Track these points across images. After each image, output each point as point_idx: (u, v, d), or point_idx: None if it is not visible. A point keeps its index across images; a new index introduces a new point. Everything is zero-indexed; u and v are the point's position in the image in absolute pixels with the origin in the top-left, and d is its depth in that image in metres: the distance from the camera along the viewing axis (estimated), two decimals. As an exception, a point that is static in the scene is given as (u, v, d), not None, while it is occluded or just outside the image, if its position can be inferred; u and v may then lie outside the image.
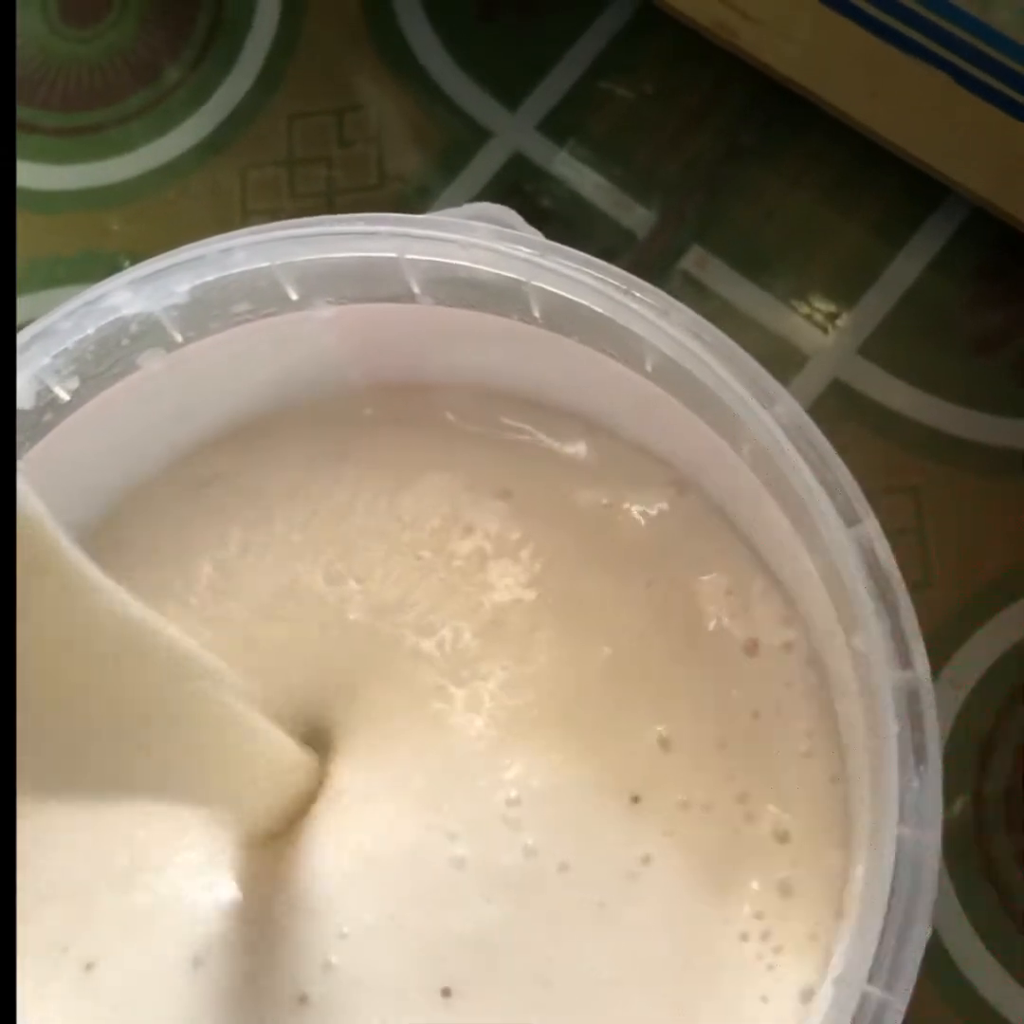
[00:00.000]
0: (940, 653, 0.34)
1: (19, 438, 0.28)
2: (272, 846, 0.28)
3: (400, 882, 0.28)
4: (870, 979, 0.23)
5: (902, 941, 0.23)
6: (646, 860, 0.27)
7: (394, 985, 0.27)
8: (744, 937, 0.27)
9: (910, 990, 0.23)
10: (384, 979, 0.27)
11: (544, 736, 0.28)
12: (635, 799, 0.28)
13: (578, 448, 0.30)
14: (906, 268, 0.37)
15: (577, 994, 0.27)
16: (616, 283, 0.26)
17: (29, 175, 0.40)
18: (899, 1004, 0.23)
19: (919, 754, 0.23)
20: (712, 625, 0.28)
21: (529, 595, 0.29)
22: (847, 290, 0.37)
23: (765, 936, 0.27)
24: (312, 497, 0.30)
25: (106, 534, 0.30)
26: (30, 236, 0.40)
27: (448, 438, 0.30)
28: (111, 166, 0.40)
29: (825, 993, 0.24)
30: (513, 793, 0.28)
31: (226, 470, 0.30)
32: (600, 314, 0.26)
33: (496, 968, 0.27)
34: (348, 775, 0.29)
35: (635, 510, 0.29)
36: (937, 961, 0.32)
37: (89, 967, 0.27)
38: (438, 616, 0.29)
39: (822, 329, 0.37)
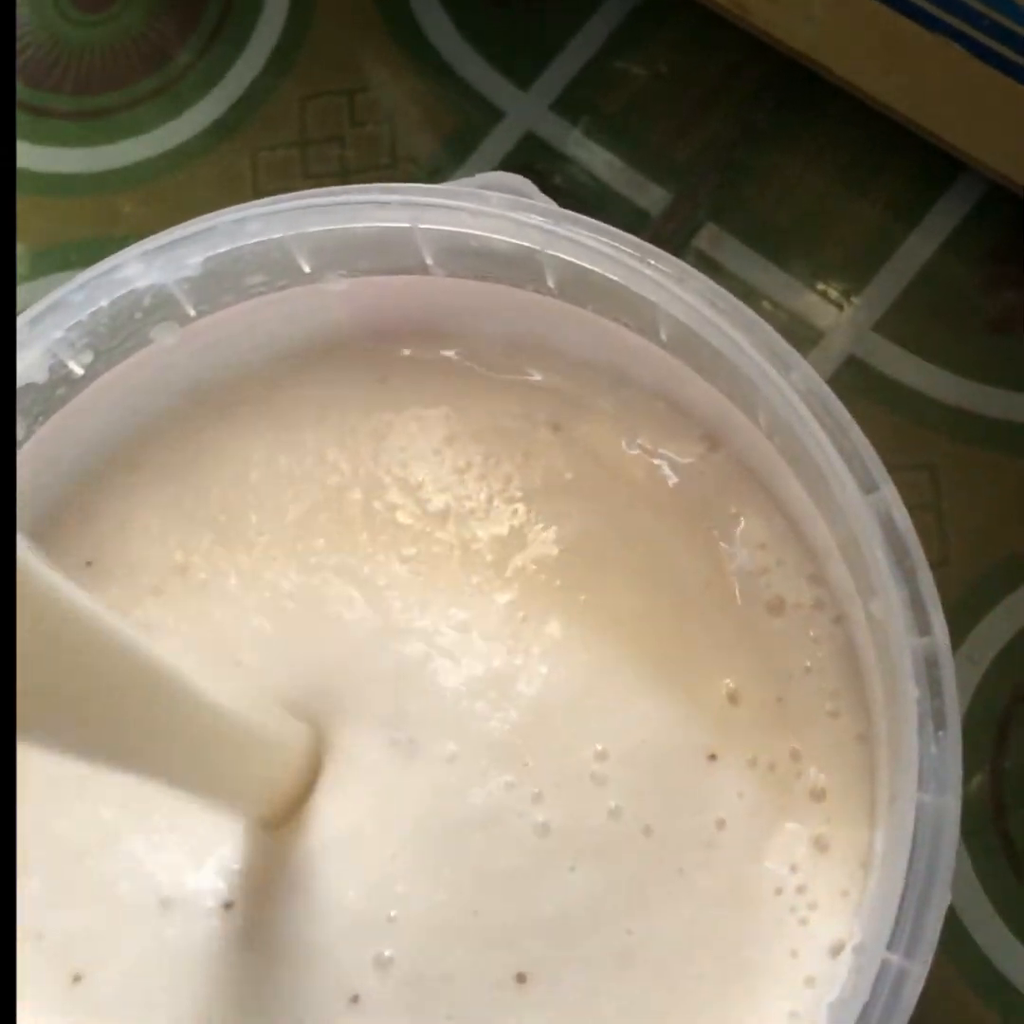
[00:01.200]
0: (957, 629, 0.34)
1: (33, 412, 0.28)
2: (288, 826, 0.27)
3: (471, 856, 0.27)
4: (890, 946, 0.23)
5: (922, 907, 0.23)
6: (721, 825, 0.27)
7: (463, 976, 0.26)
8: (779, 891, 0.26)
9: (930, 957, 0.23)
10: (451, 970, 0.26)
11: (623, 685, 0.27)
12: (712, 757, 0.27)
13: (607, 400, 0.29)
14: (921, 246, 0.37)
15: (655, 971, 0.26)
16: (631, 251, 0.26)
17: (40, 159, 0.40)
18: (919, 971, 0.23)
19: (938, 720, 0.23)
20: (749, 580, 0.28)
21: (593, 528, 0.28)
22: (862, 268, 0.37)
23: (801, 890, 0.26)
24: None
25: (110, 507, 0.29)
26: (42, 220, 0.40)
27: (472, 382, 0.29)
28: (122, 149, 0.40)
29: (845, 960, 0.24)
30: (599, 745, 0.27)
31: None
32: (615, 282, 0.26)
33: (576, 946, 0.26)
34: (383, 730, 0.27)
35: (667, 463, 0.29)
36: (954, 936, 0.32)
37: (77, 978, 0.27)
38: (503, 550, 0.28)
39: (837, 306, 0.37)
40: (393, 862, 0.26)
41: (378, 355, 0.29)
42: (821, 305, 0.37)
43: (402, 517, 0.28)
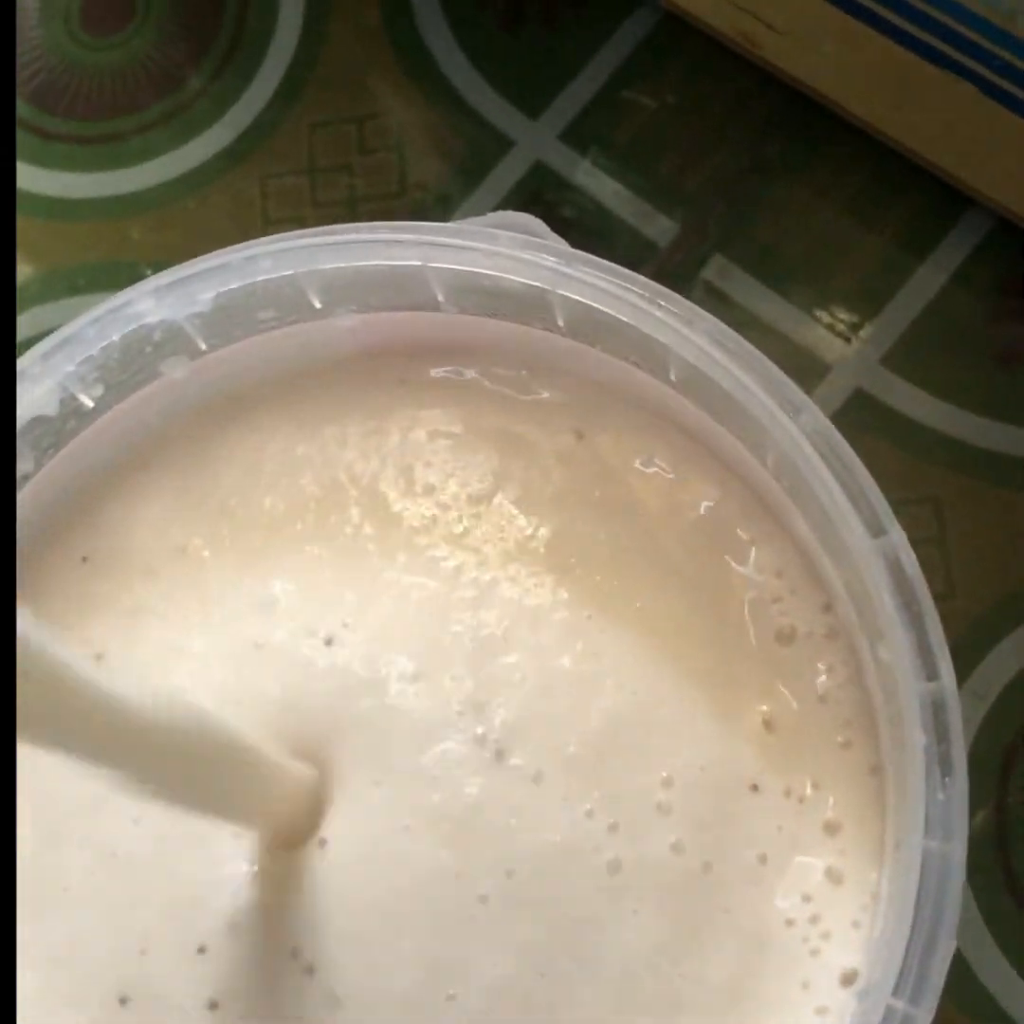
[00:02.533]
0: (962, 664, 0.34)
1: (42, 445, 0.28)
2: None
3: (543, 906, 0.25)
4: (895, 992, 0.23)
5: (928, 954, 0.23)
6: (763, 860, 0.26)
7: None
8: (790, 923, 0.26)
9: (935, 1004, 0.23)
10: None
11: (678, 707, 0.27)
12: (754, 787, 0.26)
13: (623, 419, 0.29)
14: (929, 280, 0.37)
15: (703, 1013, 0.25)
16: (641, 292, 0.26)
17: (51, 183, 0.41)
18: (924, 1018, 0.23)
19: (945, 766, 0.23)
20: (761, 607, 0.28)
21: (613, 542, 0.28)
22: (870, 301, 0.37)
23: (814, 921, 0.26)
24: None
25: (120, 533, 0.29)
26: (52, 244, 0.40)
27: (490, 395, 0.29)
28: (132, 175, 0.40)
29: (849, 1006, 0.24)
30: (665, 772, 0.26)
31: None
32: (625, 323, 0.26)
33: (636, 997, 0.25)
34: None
35: (681, 486, 0.28)
36: (957, 973, 0.32)
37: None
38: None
39: (845, 339, 0.37)
40: (448, 927, 0.26)
41: (393, 368, 0.29)
42: (829, 338, 0.37)
43: (423, 517, 0.28)
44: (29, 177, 0.41)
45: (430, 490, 0.28)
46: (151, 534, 0.28)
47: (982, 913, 0.32)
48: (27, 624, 0.19)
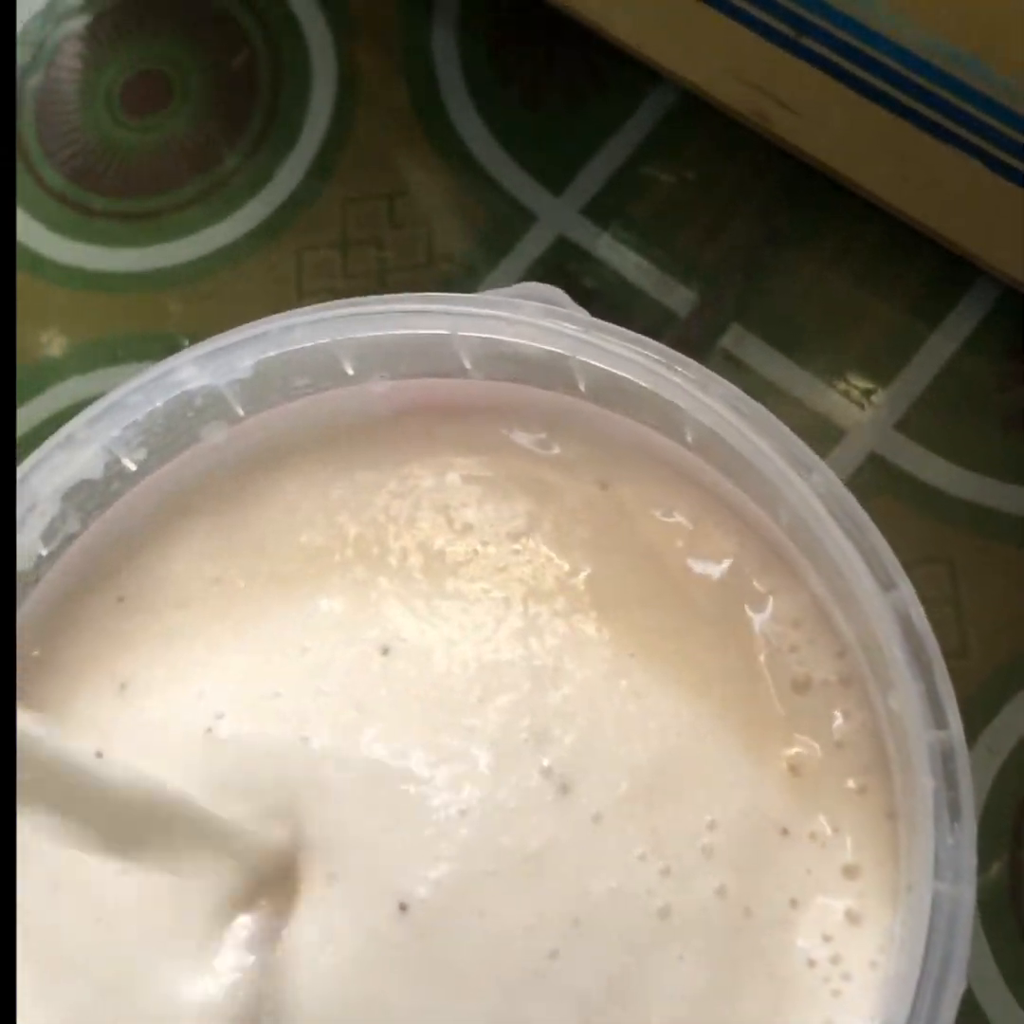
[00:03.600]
0: (976, 720, 0.34)
1: (87, 507, 0.29)
2: None
3: (589, 962, 0.25)
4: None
5: (938, 993, 0.23)
6: (794, 904, 0.26)
7: None
8: (812, 964, 0.26)
9: (947, 1042, 0.23)
10: None
11: (715, 750, 0.27)
12: (784, 831, 0.27)
13: (644, 473, 0.29)
14: (940, 347, 0.38)
15: None
16: (658, 358, 0.27)
17: (90, 257, 0.42)
18: None
19: (954, 811, 0.24)
20: (777, 656, 0.28)
21: (636, 586, 0.28)
22: (883, 367, 0.38)
23: (834, 961, 0.26)
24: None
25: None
26: (91, 315, 0.41)
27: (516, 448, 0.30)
28: (171, 249, 0.42)
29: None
30: (710, 816, 0.26)
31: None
32: (643, 388, 0.27)
33: None
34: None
35: (701, 538, 0.29)
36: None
37: None
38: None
39: (859, 405, 0.38)
40: (515, 987, 0.25)
41: (423, 424, 0.30)
42: (843, 403, 0.38)
43: (465, 552, 0.29)
44: (69, 251, 0.42)
45: (468, 528, 0.29)
46: (185, 570, 0.29)
47: (997, 964, 0.33)
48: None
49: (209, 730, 0.27)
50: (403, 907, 0.26)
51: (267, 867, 0.27)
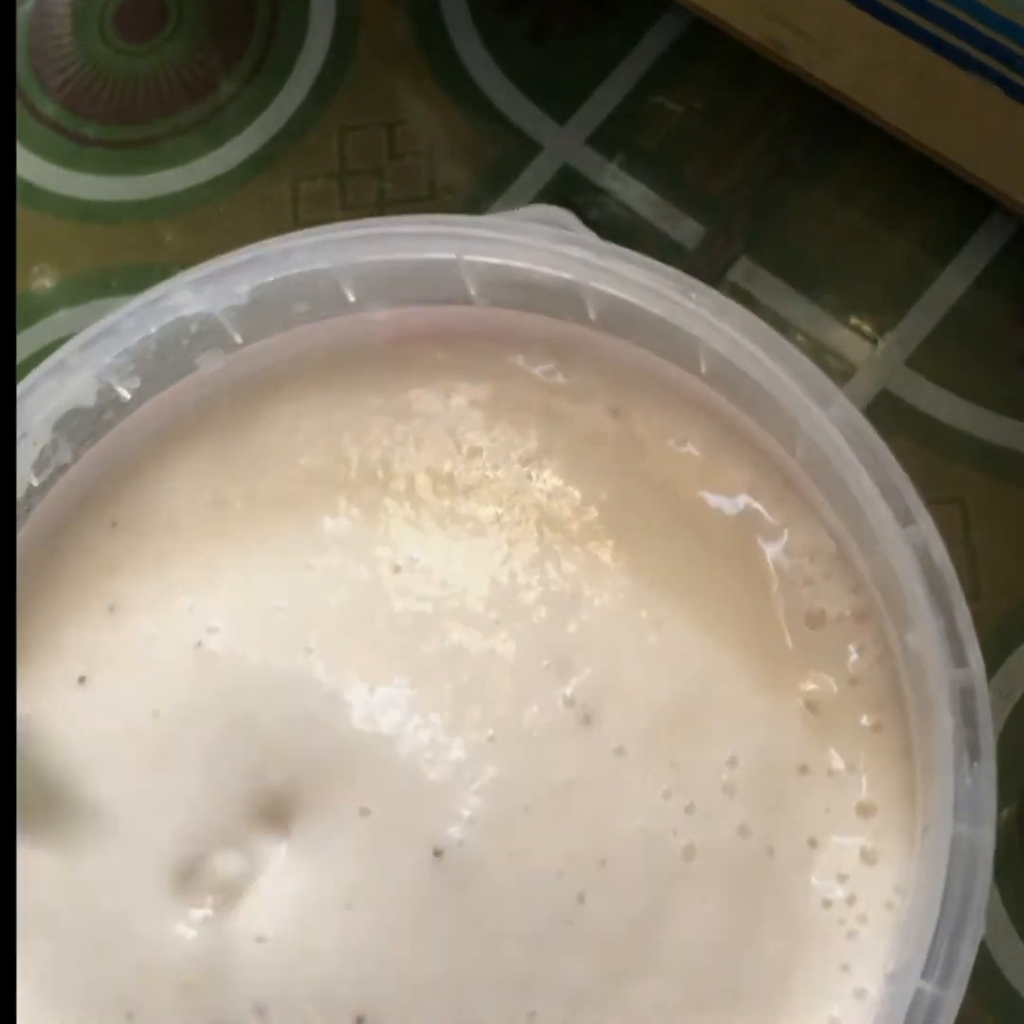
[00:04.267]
0: (987, 663, 0.34)
1: (79, 436, 0.28)
2: None
3: (618, 891, 0.25)
4: (924, 974, 0.23)
5: (956, 937, 0.23)
6: (813, 844, 0.26)
7: None
8: (828, 904, 0.26)
9: (964, 986, 0.23)
10: None
11: (737, 686, 0.27)
12: (803, 769, 0.26)
13: (655, 402, 0.29)
14: (953, 282, 0.38)
15: (762, 1004, 0.25)
16: (672, 284, 0.26)
17: (83, 187, 0.41)
18: (953, 1000, 0.23)
19: (973, 751, 0.24)
20: (792, 590, 0.28)
21: (650, 517, 0.28)
22: (895, 302, 0.37)
23: (850, 902, 0.26)
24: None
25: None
26: (84, 247, 0.40)
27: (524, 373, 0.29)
28: (165, 178, 0.41)
29: (877, 989, 0.24)
30: (731, 751, 0.26)
31: None
32: (656, 315, 0.26)
33: (697, 988, 0.25)
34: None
35: (714, 469, 0.28)
36: (982, 970, 0.32)
37: None
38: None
39: (870, 341, 0.37)
40: (542, 935, 0.25)
41: (427, 354, 0.29)
42: (854, 339, 0.37)
43: (475, 477, 0.28)
44: (62, 181, 0.41)
45: (477, 452, 0.28)
46: (181, 494, 0.29)
47: (1007, 910, 0.32)
48: None
49: (199, 644, 0.27)
50: (438, 853, 0.25)
51: (254, 804, 0.26)
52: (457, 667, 0.26)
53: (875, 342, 0.37)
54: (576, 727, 0.26)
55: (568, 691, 0.26)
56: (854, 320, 0.37)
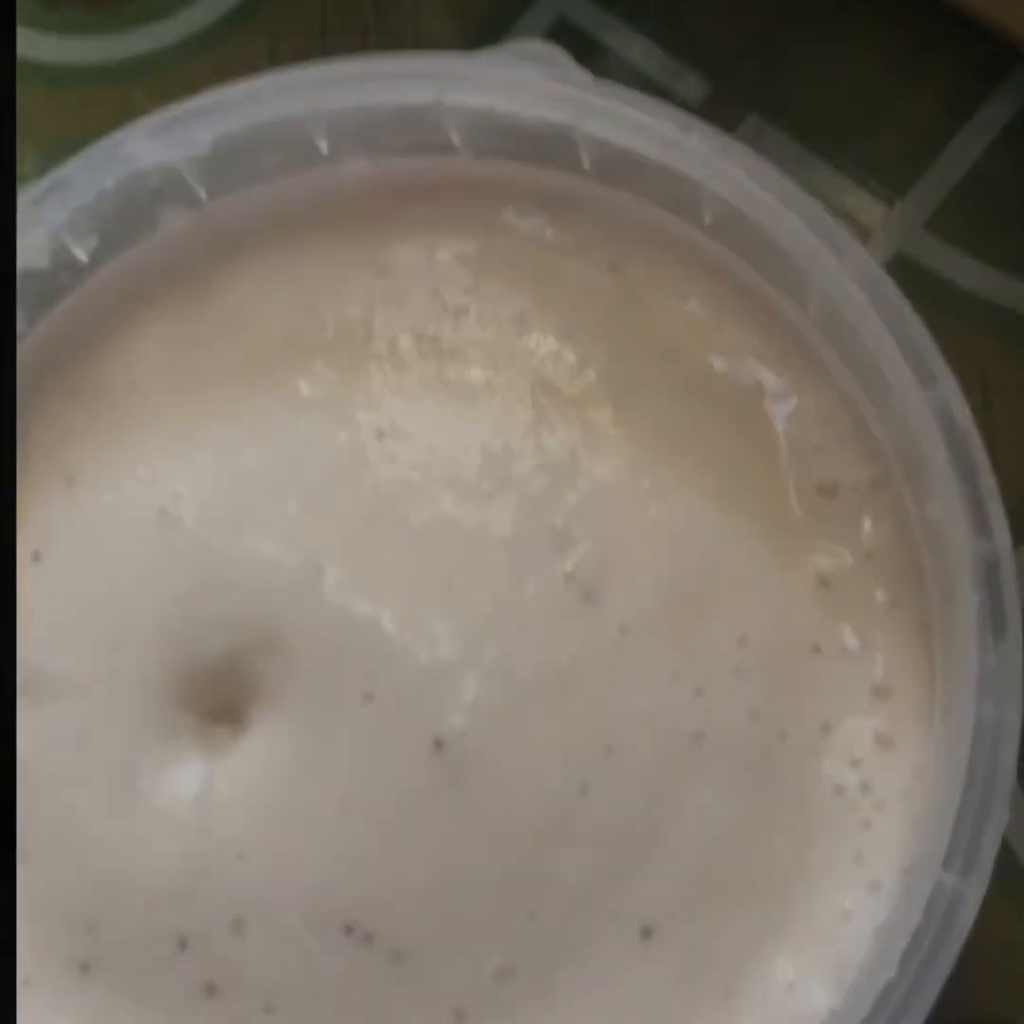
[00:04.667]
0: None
1: (33, 302, 0.27)
2: None
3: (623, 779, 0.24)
4: (945, 865, 0.21)
5: (979, 825, 0.22)
6: (826, 727, 0.25)
7: (594, 934, 0.24)
8: (840, 791, 0.25)
9: (987, 879, 0.22)
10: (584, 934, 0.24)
11: (746, 560, 0.25)
12: (815, 649, 0.25)
13: (657, 255, 0.27)
14: (973, 141, 0.36)
15: (778, 898, 0.25)
16: (673, 125, 0.24)
17: (51, 49, 0.39)
18: (976, 893, 0.22)
19: (997, 628, 0.22)
20: (801, 459, 0.26)
21: (649, 381, 0.26)
22: (912, 163, 0.36)
23: (865, 789, 0.25)
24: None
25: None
26: (52, 114, 0.38)
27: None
28: (138, 38, 0.39)
29: (893, 882, 0.23)
30: (741, 630, 0.25)
31: None
32: (656, 160, 0.24)
33: (707, 886, 0.24)
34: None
35: (717, 327, 0.27)
36: (1005, 863, 0.30)
37: None
38: None
39: (886, 203, 0.35)
40: (543, 832, 0.24)
41: (407, 210, 0.27)
42: (869, 201, 0.35)
43: (463, 339, 0.27)
44: (29, 43, 0.39)
45: (464, 312, 0.27)
46: (144, 360, 0.27)
47: (1027, 798, 0.31)
48: None
49: (163, 511, 0.25)
50: (439, 745, 0.24)
51: (228, 689, 0.25)
52: (450, 540, 0.25)
53: (891, 204, 0.35)
54: (577, 605, 0.25)
55: (568, 566, 0.25)
56: (868, 181, 0.36)
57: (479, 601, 0.25)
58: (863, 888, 0.24)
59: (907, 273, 0.35)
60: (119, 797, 0.25)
